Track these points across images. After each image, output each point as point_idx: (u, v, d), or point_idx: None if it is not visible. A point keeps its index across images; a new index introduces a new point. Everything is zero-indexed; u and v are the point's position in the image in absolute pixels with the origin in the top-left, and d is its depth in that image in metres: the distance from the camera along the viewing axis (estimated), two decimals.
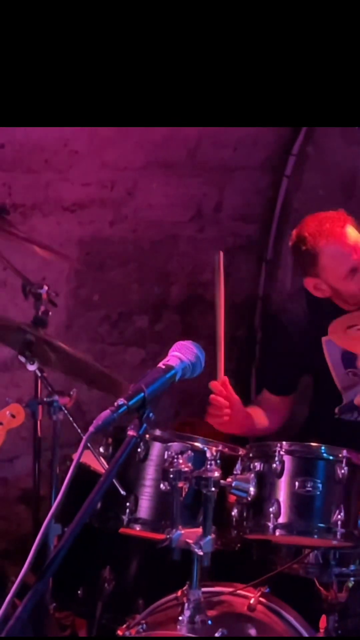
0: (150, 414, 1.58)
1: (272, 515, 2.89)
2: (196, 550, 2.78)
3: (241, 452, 3.05)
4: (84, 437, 1.55)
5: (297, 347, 3.62)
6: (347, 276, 3.43)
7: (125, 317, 4.48)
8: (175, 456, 3.04)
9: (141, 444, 3.12)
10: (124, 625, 2.96)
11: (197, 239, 4.61)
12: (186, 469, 3.00)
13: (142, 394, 1.58)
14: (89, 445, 3.13)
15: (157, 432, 3.16)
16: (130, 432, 1.57)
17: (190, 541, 2.87)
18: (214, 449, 3.00)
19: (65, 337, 4.18)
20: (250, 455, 3.02)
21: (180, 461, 3.01)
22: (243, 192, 4.68)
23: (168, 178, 4.38)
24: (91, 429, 1.55)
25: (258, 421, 3.66)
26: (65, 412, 3.16)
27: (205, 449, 3.05)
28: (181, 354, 1.65)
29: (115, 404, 1.57)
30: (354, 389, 3.58)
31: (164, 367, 1.63)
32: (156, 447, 3.13)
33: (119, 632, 2.92)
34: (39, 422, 3.30)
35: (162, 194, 4.39)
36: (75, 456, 1.60)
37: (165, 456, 3.07)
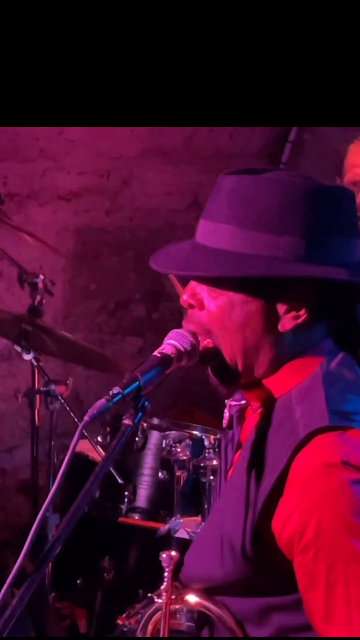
0: (146, 403, 1.56)
1: None
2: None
3: None
4: (79, 426, 1.53)
5: None
6: (349, 186, 3.44)
7: (123, 306, 4.46)
8: (174, 445, 3.04)
9: (139, 433, 3.12)
10: (124, 615, 2.95)
11: (194, 227, 4.58)
12: (184, 458, 3.00)
13: (137, 383, 1.56)
14: (86, 434, 3.13)
15: (155, 421, 3.16)
16: (126, 421, 1.55)
17: (189, 530, 2.87)
18: (212, 437, 3.00)
19: (62, 327, 4.16)
20: None
21: (179, 449, 3.02)
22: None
23: (164, 166, 4.36)
24: (86, 417, 1.53)
25: None
26: (62, 401, 3.15)
27: (204, 437, 3.04)
28: (177, 342, 1.63)
29: (110, 392, 1.55)
30: None
31: (159, 355, 1.62)
32: (154, 435, 3.13)
33: (119, 622, 2.91)
34: (36, 412, 3.28)
35: (158, 182, 4.37)
36: (71, 445, 1.58)
37: (164, 445, 3.07)
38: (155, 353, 1.62)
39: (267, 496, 1.55)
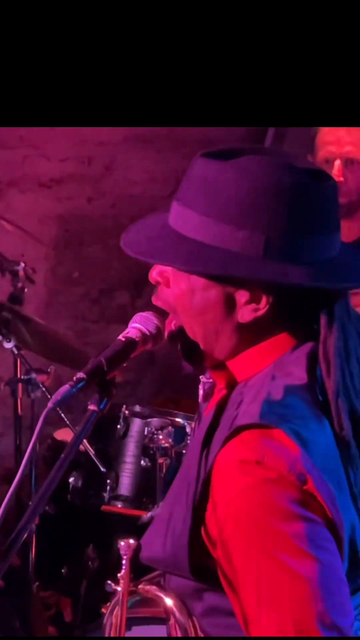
0: (112, 388, 1.54)
1: None
2: None
3: None
4: (43, 413, 1.52)
5: None
6: (321, 164, 3.38)
7: (106, 293, 4.44)
8: (155, 432, 3.03)
9: (121, 420, 3.11)
10: (108, 603, 2.94)
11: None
12: (166, 445, 2.99)
13: (102, 368, 1.54)
14: (67, 422, 3.12)
15: (137, 408, 3.15)
16: (91, 407, 1.54)
17: None
18: (194, 424, 2.97)
19: (45, 315, 4.15)
20: None
21: (161, 437, 3.01)
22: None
23: (147, 152, 4.33)
24: (50, 404, 1.52)
25: None
26: (44, 389, 3.12)
27: (186, 424, 3.03)
28: (141, 326, 1.61)
29: (74, 378, 1.53)
30: None
31: (123, 339, 1.59)
32: (136, 423, 3.11)
33: (103, 610, 2.89)
34: (19, 401, 3.26)
35: (141, 169, 4.35)
36: (35, 432, 1.57)
37: (146, 432, 3.06)
38: (120, 337, 1.60)
39: (202, 484, 1.53)
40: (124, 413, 3.13)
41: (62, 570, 3.36)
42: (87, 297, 4.40)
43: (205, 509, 1.52)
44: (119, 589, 1.70)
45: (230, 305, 1.56)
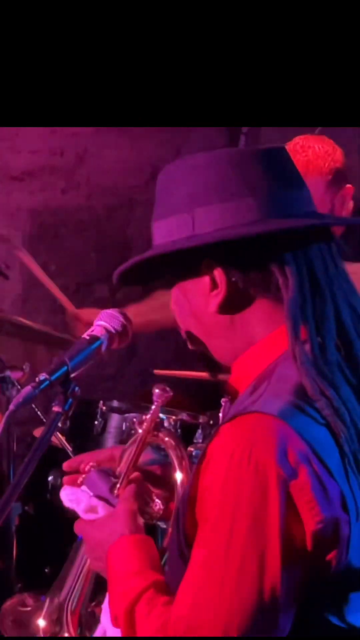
0: (76, 388, 1.49)
1: None
2: (159, 523, 2.71)
3: (202, 420, 2.98)
4: (5, 416, 1.47)
5: None
6: None
7: (85, 286, 4.38)
8: (134, 427, 2.97)
9: (98, 416, 3.06)
10: (93, 603, 2.89)
11: (154, 202, 4.51)
12: None
13: (66, 367, 1.49)
14: (44, 419, 3.07)
15: (115, 403, 3.10)
16: (55, 408, 1.49)
17: None
18: (172, 417, 2.93)
19: (22, 310, 4.09)
20: (211, 422, 2.95)
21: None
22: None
23: (120, 141, 4.27)
24: (11, 407, 1.48)
25: None
26: (19, 387, 3.06)
27: (164, 417, 2.98)
28: (107, 324, 1.56)
29: (37, 379, 1.49)
30: None
31: (88, 337, 1.55)
32: (114, 418, 3.07)
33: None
34: None
35: (115, 158, 4.30)
36: None
37: (124, 427, 3.01)
38: (84, 335, 1.55)
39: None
40: (101, 409, 3.08)
41: (45, 570, 3.32)
42: (65, 291, 4.34)
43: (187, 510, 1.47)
44: (140, 430, 1.76)
45: (199, 298, 1.53)
